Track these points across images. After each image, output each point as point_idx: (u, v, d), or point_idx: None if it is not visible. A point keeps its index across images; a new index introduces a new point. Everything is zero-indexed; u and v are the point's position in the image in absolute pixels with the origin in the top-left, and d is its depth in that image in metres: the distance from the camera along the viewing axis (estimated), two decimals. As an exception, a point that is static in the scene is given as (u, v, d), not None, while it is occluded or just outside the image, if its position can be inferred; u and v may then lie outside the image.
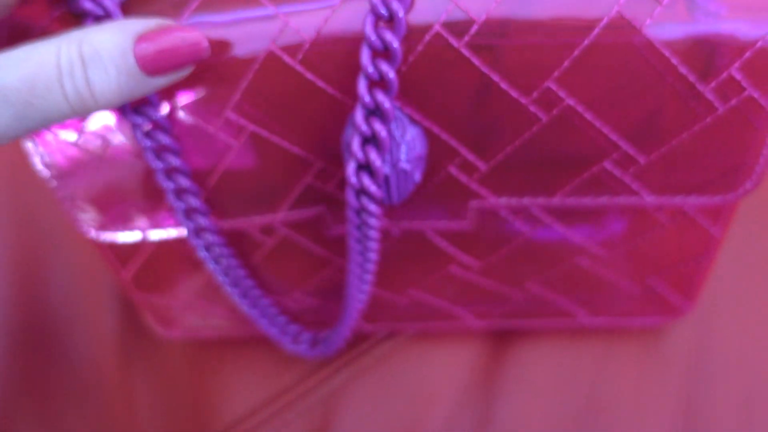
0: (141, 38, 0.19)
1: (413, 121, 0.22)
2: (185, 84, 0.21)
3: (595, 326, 0.32)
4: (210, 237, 0.26)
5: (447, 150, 0.23)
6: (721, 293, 0.34)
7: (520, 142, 0.22)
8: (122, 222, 0.25)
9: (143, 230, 0.26)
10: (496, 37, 0.20)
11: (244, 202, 0.25)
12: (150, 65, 0.19)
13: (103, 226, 0.25)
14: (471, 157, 0.23)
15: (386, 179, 0.22)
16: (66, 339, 0.34)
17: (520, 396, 0.33)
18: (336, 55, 0.21)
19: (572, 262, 0.28)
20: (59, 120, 0.19)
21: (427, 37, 0.20)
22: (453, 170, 0.24)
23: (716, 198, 0.23)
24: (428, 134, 0.23)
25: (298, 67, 0.21)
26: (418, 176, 0.23)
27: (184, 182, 0.23)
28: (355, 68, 0.21)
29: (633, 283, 0.30)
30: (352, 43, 0.21)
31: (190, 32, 0.19)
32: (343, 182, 0.24)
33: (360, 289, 0.26)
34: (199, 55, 0.20)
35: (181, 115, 0.22)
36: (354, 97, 0.22)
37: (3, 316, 0.35)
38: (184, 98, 0.22)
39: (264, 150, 0.23)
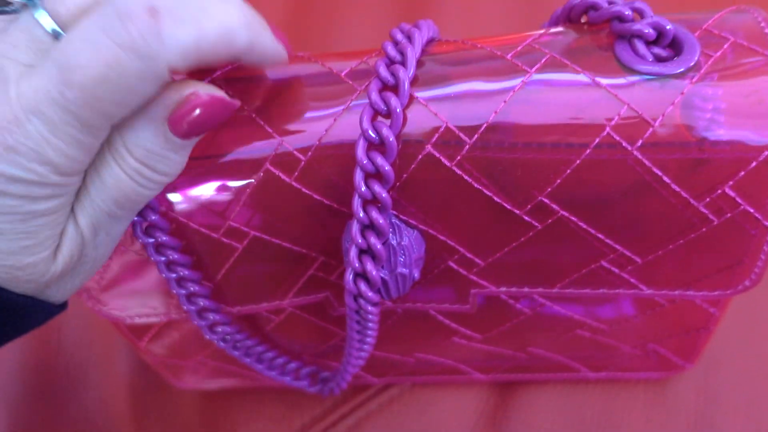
0: (172, 119, 0.19)
1: (410, 225, 0.23)
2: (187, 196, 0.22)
3: (598, 379, 0.33)
4: (220, 328, 0.27)
5: (445, 247, 0.23)
6: (728, 340, 0.34)
7: (516, 243, 0.23)
8: (136, 309, 0.26)
9: (157, 315, 0.27)
10: (489, 153, 0.20)
11: (252, 291, 0.26)
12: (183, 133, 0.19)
13: (116, 311, 0.27)
14: (469, 254, 0.23)
15: (384, 283, 0.23)
16: (79, 385, 0.36)
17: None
18: (331, 171, 0.21)
19: (574, 333, 0.28)
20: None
21: (420, 157, 0.21)
22: (452, 264, 0.24)
23: (715, 293, 0.23)
24: (426, 234, 0.23)
25: (295, 184, 0.21)
26: (416, 274, 0.23)
27: (186, 273, 0.24)
28: (351, 179, 0.21)
29: (634, 348, 0.30)
30: (347, 157, 0.21)
31: (215, 92, 0.19)
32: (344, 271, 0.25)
33: (358, 357, 0.27)
34: (228, 113, 0.19)
35: (184, 221, 0.23)
36: (351, 205, 0.22)
37: (16, 361, 0.36)
38: (186, 208, 0.22)
39: (267, 249, 0.24)
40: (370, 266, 0.22)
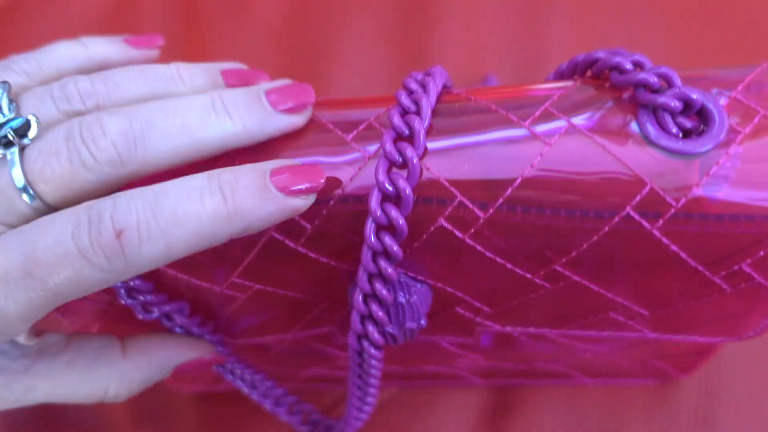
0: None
1: (417, 280, 0.22)
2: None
3: (595, 385, 0.34)
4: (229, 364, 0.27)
5: (453, 297, 0.23)
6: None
7: (525, 298, 0.22)
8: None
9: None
10: (501, 226, 0.20)
11: (255, 328, 0.25)
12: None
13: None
14: (477, 303, 0.23)
15: (392, 336, 0.23)
16: None
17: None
18: (340, 230, 0.21)
19: (575, 355, 0.29)
20: None
21: (432, 228, 0.20)
22: (459, 310, 0.24)
23: (718, 339, 0.24)
24: (433, 286, 0.23)
25: (301, 249, 0.21)
26: (424, 323, 0.23)
27: (183, 321, 0.24)
28: (357, 239, 0.21)
29: (633, 362, 0.31)
30: (357, 214, 0.20)
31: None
32: (349, 312, 0.25)
33: (360, 411, 0.27)
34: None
35: (185, 277, 0.22)
36: (356, 262, 0.21)
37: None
38: (188, 266, 0.22)
39: (271, 298, 0.23)
40: (375, 333, 0.22)
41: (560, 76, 0.22)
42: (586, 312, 0.23)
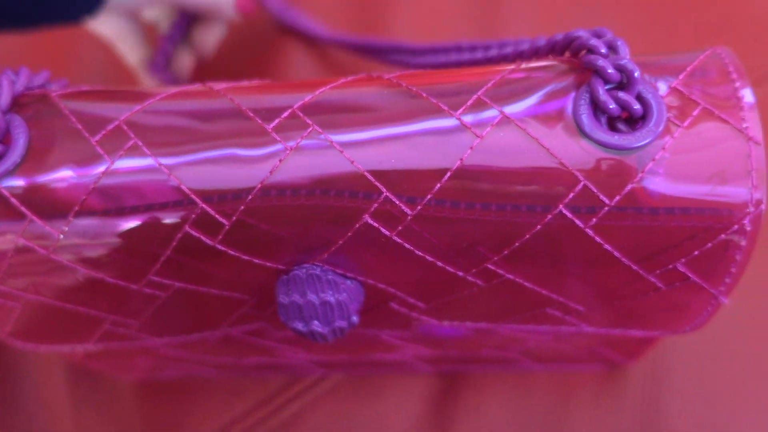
0: None
1: (347, 277, 0.21)
2: (100, 254, 0.20)
3: (543, 371, 0.33)
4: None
5: (385, 293, 0.22)
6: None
7: (459, 295, 0.21)
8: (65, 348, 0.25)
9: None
10: (430, 222, 0.19)
11: (181, 326, 0.24)
12: None
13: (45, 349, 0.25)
14: (411, 299, 0.22)
15: (322, 335, 0.22)
16: (15, 379, 0.35)
17: (473, 428, 0.34)
18: (260, 228, 0.19)
19: (519, 344, 0.28)
20: None
21: (357, 225, 0.19)
22: (393, 305, 0.23)
23: (655, 332, 0.23)
24: (364, 282, 0.22)
25: (219, 247, 0.19)
26: (356, 319, 0.22)
27: (108, 328, 0.22)
28: (281, 234, 0.19)
29: (579, 350, 0.30)
30: (276, 211, 0.19)
31: None
32: None
33: None
34: None
35: (99, 276, 0.21)
36: (280, 258, 0.20)
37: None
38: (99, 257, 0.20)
39: (194, 296, 0.22)
40: (302, 328, 0.21)
41: (535, 52, 0.21)
42: (522, 308, 0.22)
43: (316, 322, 0.21)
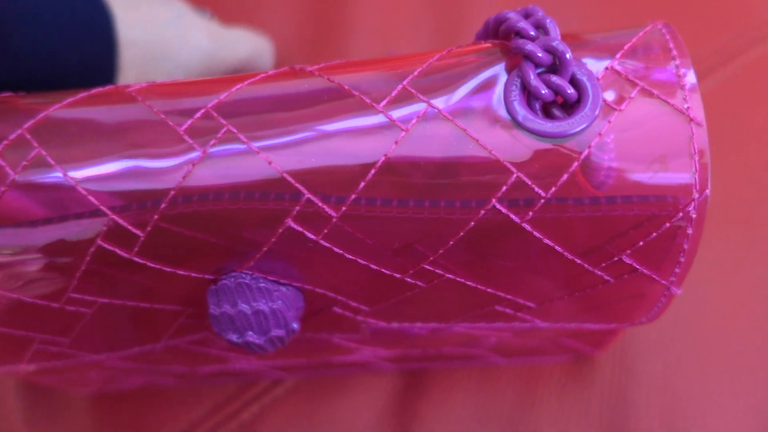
0: None
1: (281, 284, 0.20)
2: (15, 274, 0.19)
3: (509, 365, 0.32)
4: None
5: (325, 298, 0.21)
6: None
7: (402, 297, 0.20)
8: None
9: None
10: (363, 223, 0.17)
11: (117, 342, 0.23)
12: None
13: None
14: (353, 303, 0.21)
15: (259, 347, 0.21)
16: None
17: (438, 423, 0.33)
18: (179, 236, 0.18)
19: (478, 338, 0.27)
20: None
21: (281, 230, 0.17)
22: (337, 309, 0.22)
23: (611, 325, 0.22)
24: (302, 289, 0.20)
25: (137, 259, 0.18)
26: (296, 326, 0.21)
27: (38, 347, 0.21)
28: (202, 242, 0.18)
29: (543, 341, 0.29)
30: (194, 218, 0.18)
31: None
32: None
33: None
34: None
35: (15, 296, 0.19)
36: (206, 270, 0.19)
37: None
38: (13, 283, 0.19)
39: (123, 310, 0.21)
40: (234, 337, 0.19)
41: (478, 37, 0.20)
42: (470, 306, 0.21)
43: (250, 333, 0.20)
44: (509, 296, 0.20)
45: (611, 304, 0.21)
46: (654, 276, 0.18)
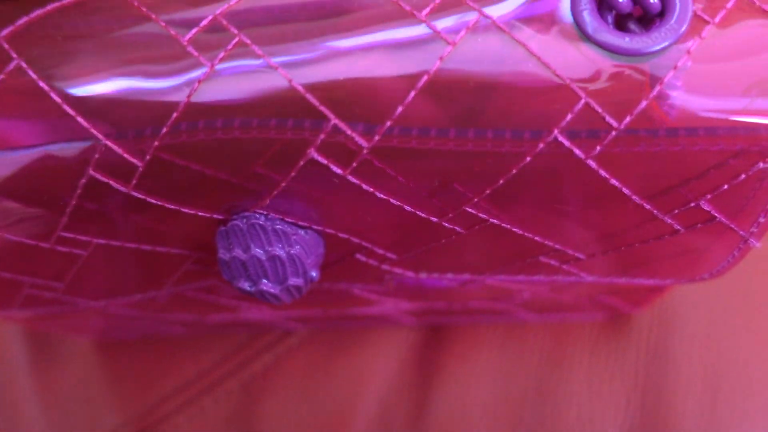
0: None
1: (300, 227, 0.18)
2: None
3: (538, 322, 0.30)
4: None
5: (349, 243, 0.19)
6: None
7: (435, 244, 0.18)
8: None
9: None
10: (396, 158, 0.15)
11: (117, 288, 0.21)
12: None
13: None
14: (379, 250, 0.19)
15: (275, 296, 0.18)
16: None
17: (462, 376, 0.31)
18: (183, 168, 0.16)
19: (509, 297, 0.25)
20: None
21: (302, 163, 0.15)
22: (360, 257, 0.19)
23: (667, 281, 0.20)
24: (323, 233, 0.18)
25: (135, 194, 0.16)
26: (315, 275, 0.19)
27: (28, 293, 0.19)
28: (209, 178, 0.16)
29: (579, 299, 0.27)
30: (201, 147, 0.15)
31: None
32: None
33: None
34: None
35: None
36: (215, 209, 0.17)
37: None
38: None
39: (120, 253, 0.18)
40: (249, 288, 0.17)
41: None
42: (511, 257, 0.19)
43: (265, 281, 0.18)
44: (557, 246, 0.18)
45: (673, 258, 0.18)
46: (733, 227, 0.16)
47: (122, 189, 0.15)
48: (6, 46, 0.15)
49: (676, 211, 0.16)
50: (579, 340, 0.31)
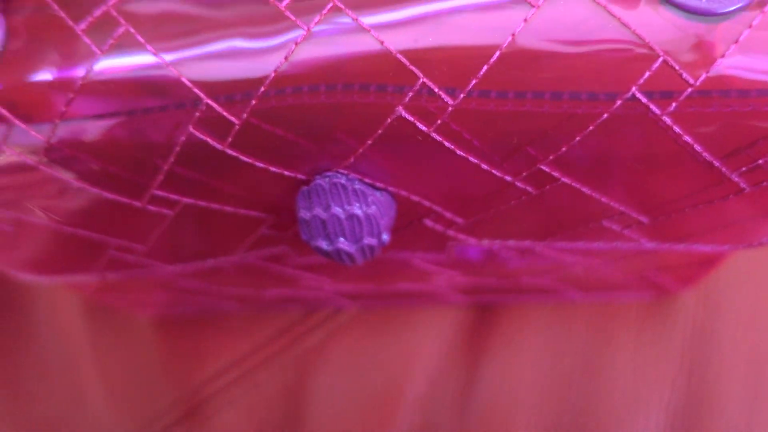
0: None
1: (376, 188, 0.19)
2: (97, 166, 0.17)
3: (585, 301, 0.31)
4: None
5: (419, 207, 0.20)
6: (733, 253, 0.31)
7: (504, 206, 0.19)
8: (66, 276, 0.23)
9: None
10: (473, 116, 0.16)
11: (194, 251, 0.22)
12: None
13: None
14: (448, 214, 0.20)
15: (349, 255, 0.19)
16: (32, 314, 0.33)
17: (509, 356, 0.32)
18: (275, 131, 0.17)
19: (564, 269, 0.26)
20: None
21: (389, 120, 0.16)
22: (428, 222, 0.20)
23: (724, 247, 0.20)
24: (395, 194, 0.19)
25: (229, 151, 0.17)
26: (386, 238, 0.20)
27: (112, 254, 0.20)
28: (294, 142, 0.17)
29: (628, 276, 0.28)
30: (291, 111, 0.16)
31: None
32: None
33: None
34: None
35: (94, 191, 0.18)
36: (299, 169, 0.18)
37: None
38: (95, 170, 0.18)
39: (205, 213, 0.20)
40: (326, 247, 0.18)
41: None
42: (575, 221, 0.19)
43: (342, 239, 0.19)
44: (622, 208, 0.19)
45: (733, 223, 0.19)
46: (798, 184, 0.16)
47: (218, 146, 0.17)
48: (114, 12, 0.16)
49: (744, 169, 0.16)
50: (625, 322, 0.31)
